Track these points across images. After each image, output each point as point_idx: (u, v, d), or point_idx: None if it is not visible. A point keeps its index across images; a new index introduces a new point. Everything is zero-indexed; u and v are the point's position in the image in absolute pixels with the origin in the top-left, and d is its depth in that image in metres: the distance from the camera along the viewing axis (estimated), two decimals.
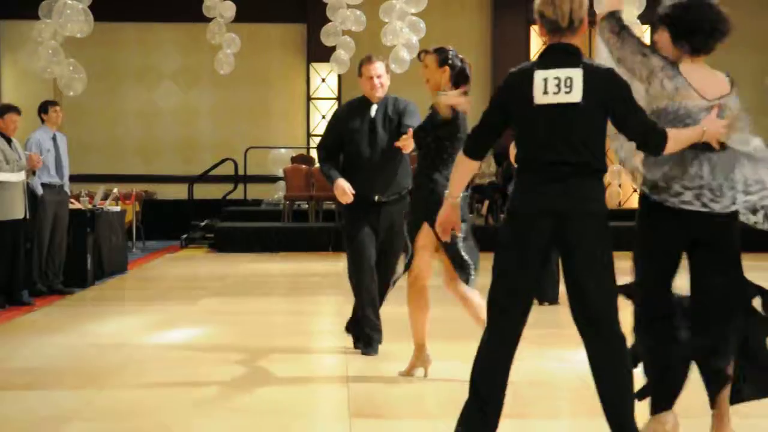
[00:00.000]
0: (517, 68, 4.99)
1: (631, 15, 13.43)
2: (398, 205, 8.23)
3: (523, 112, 4.87)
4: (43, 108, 12.78)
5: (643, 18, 14.71)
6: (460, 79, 7.36)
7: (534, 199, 4.85)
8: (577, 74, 4.79)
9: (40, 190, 12.36)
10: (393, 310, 8.58)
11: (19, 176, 11.50)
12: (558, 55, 4.86)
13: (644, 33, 16.27)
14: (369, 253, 8.22)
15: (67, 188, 12.91)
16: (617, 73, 4.94)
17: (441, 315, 8.47)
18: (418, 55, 7.71)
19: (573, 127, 4.80)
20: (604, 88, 4.82)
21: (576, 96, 4.76)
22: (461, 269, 7.13)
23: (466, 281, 7.16)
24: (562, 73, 4.79)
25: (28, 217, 11.71)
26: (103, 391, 7.17)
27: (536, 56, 4.97)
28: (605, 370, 4.84)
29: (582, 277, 4.83)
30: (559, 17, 4.85)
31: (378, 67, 8.27)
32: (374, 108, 8.23)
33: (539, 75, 4.81)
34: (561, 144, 4.81)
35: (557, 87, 4.78)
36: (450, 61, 7.36)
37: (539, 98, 4.80)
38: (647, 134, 4.93)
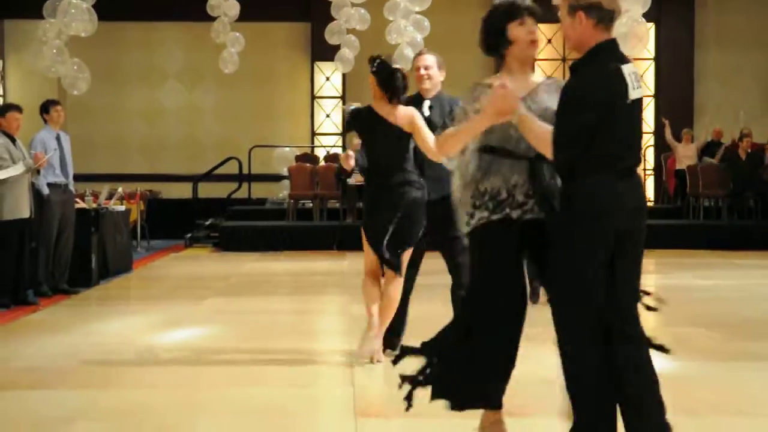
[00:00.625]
0: (597, 64, 4.77)
1: (636, 13, 13.40)
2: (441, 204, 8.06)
3: (620, 110, 4.71)
4: (45, 108, 12.74)
5: (648, 16, 14.70)
6: (385, 86, 7.72)
7: (615, 198, 4.71)
8: (635, 69, 4.80)
9: (45, 190, 12.35)
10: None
11: (18, 168, 11.46)
12: (620, 51, 4.81)
13: (648, 30, 16.21)
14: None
15: (72, 187, 12.90)
16: None
17: (448, 313, 8.45)
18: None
19: (640, 122, 4.89)
20: None
21: (645, 90, 4.84)
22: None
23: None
24: (632, 68, 4.76)
25: (33, 216, 11.71)
26: (108, 391, 7.17)
27: (593, 53, 4.80)
28: (632, 371, 4.70)
29: (629, 275, 4.77)
30: (615, 9, 4.75)
31: (426, 59, 8.16)
32: (427, 104, 8.09)
33: (626, 69, 4.71)
34: (633, 140, 4.81)
35: (634, 82, 4.72)
36: (373, 69, 7.68)
37: (633, 94, 4.71)
38: None
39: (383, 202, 7.74)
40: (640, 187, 4.85)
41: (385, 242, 7.72)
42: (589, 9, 4.76)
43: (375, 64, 7.71)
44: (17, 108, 11.97)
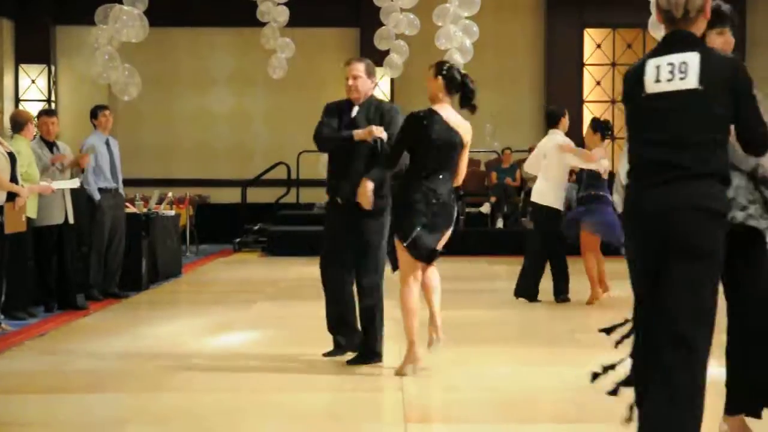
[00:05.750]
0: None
1: None
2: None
3: (637, 104, 4.80)
4: (93, 113, 12.84)
5: None
6: None
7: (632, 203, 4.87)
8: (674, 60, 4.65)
9: (97, 196, 12.44)
10: (452, 314, 8.52)
11: (74, 182, 11.55)
12: (670, 42, 4.72)
13: None
14: (340, 253, 8.28)
15: (121, 191, 12.98)
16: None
17: (495, 318, 8.45)
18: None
19: (677, 117, 4.68)
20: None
21: (683, 83, 4.61)
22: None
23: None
24: (670, 59, 4.65)
25: (71, 221, 11.70)
26: (160, 394, 7.21)
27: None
28: None
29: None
30: (672, 7, 4.68)
31: (354, 68, 8.39)
32: (356, 109, 8.33)
33: (653, 62, 4.70)
34: (655, 137, 4.74)
35: (663, 74, 4.64)
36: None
37: (651, 87, 4.67)
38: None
39: None
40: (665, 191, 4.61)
41: None
42: (656, 8, 4.79)
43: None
44: (47, 112, 12.11)
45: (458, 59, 17.24)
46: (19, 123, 11.25)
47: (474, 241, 19.69)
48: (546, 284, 12.02)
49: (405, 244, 7.52)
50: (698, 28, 4.72)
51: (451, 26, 17.35)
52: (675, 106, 4.60)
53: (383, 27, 18.67)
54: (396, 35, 18.70)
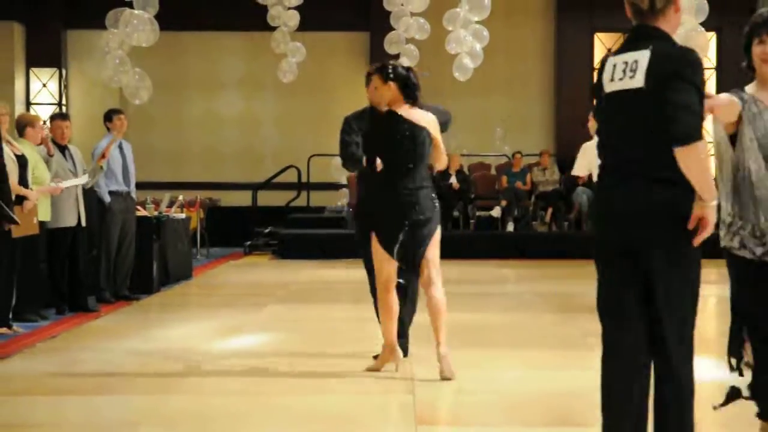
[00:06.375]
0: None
1: (691, 24, 13.24)
2: None
3: (599, 103, 4.79)
4: (108, 117, 12.86)
5: (708, 25, 14.56)
6: None
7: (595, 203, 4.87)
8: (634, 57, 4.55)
9: (107, 198, 12.48)
10: (462, 317, 8.53)
11: (81, 180, 11.58)
12: (633, 37, 4.63)
13: (709, 41, 16.03)
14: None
15: (133, 194, 13.01)
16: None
17: (505, 321, 8.45)
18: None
19: (632, 116, 4.58)
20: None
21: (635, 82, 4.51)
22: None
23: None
24: (629, 57, 4.56)
25: (84, 224, 11.73)
26: (170, 397, 7.22)
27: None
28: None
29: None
30: (638, 0, 4.60)
31: None
32: None
33: (613, 60, 4.65)
34: (613, 136, 4.72)
35: (621, 72, 4.56)
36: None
37: (609, 86, 4.62)
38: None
39: None
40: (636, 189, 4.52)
41: None
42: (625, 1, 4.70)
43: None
44: (61, 116, 12.17)
45: (468, 64, 17.27)
46: (24, 126, 11.28)
47: (484, 244, 19.70)
48: (553, 288, 12.04)
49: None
50: (668, 20, 4.60)
51: (462, 31, 17.37)
52: (624, 106, 4.56)
53: (393, 31, 18.69)
54: (406, 39, 18.72)
